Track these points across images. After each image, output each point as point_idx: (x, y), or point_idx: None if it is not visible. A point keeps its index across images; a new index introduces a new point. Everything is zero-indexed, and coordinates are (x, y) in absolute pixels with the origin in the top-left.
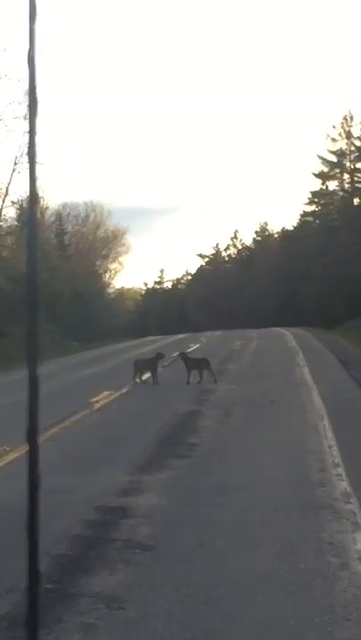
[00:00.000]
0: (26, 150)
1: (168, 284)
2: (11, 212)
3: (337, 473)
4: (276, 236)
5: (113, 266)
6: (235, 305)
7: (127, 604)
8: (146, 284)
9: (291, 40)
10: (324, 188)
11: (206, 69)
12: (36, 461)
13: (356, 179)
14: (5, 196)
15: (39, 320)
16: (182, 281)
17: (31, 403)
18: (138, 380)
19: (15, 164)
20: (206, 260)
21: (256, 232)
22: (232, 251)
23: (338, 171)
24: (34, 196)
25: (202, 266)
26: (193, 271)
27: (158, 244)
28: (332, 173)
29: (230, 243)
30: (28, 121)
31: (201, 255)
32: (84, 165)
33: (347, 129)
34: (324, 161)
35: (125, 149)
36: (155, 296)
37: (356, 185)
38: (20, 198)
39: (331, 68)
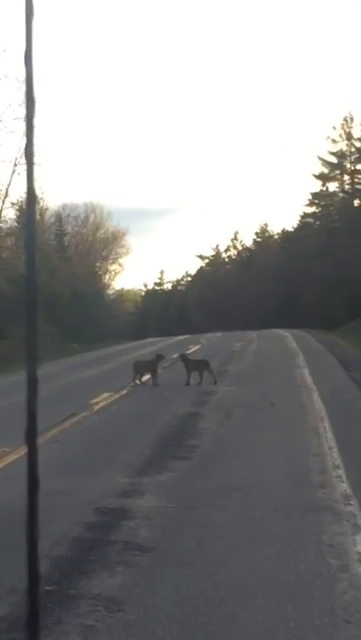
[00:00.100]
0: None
1: (168, 286)
2: (10, 214)
3: (337, 475)
4: (276, 237)
5: (113, 267)
6: (235, 306)
7: (127, 606)
8: (146, 286)
9: (291, 42)
10: (324, 189)
11: (206, 71)
12: (35, 462)
13: (356, 180)
14: (5, 197)
15: (38, 321)
16: (182, 282)
17: (30, 404)
18: (138, 382)
19: (15, 165)
20: (206, 261)
21: (256, 233)
22: (232, 252)
23: (338, 172)
24: (31, 195)
25: (202, 267)
26: (193, 272)
27: (158, 246)
28: (332, 175)
29: (230, 244)
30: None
31: (201, 256)
32: (83, 166)
33: (347, 130)
34: (325, 162)
35: (125, 150)
36: (155, 297)
37: (357, 186)
38: (20, 199)
39: (331, 70)
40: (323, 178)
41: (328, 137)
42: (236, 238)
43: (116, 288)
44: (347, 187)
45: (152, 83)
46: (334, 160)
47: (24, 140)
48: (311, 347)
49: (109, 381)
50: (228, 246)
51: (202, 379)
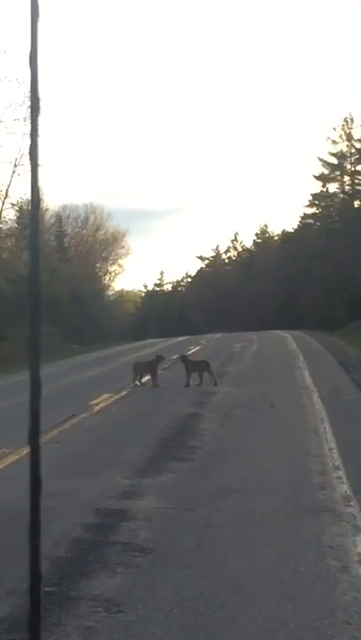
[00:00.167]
0: (26, 152)
1: (168, 287)
2: (11, 215)
3: (337, 476)
4: (276, 238)
5: (113, 268)
6: (235, 307)
7: (127, 607)
8: (146, 287)
9: (292, 42)
10: (324, 190)
11: (206, 72)
12: (37, 462)
13: (356, 181)
14: (5, 198)
15: (41, 321)
16: (182, 283)
17: (33, 404)
18: (138, 383)
19: (15, 165)
20: (206, 262)
21: (256, 234)
22: (232, 253)
23: (338, 173)
24: (36, 197)
25: (202, 268)
26: (193, 273)
27: (158, 247)
28: (332, 176)
29: (230, 245)
30: (28, 122)
31: (201, 257)
32: (83, 167)
33: (347, 131)
34: (325, 163)
35: (125, 151)
36: (154, 298)
37: (357, 187)
38: (20, 200)
39: (332, 71)
40: (323, 179)
41: (328, 138)
42: (236, 239)
43: (116, 289)
44: (347, 188)
45: (153, 84)
46: (334, 161)
47: (25, 141)
48: (311, 348)
49: (109, 382)
50: (228, 247)
51: (202, 380)
